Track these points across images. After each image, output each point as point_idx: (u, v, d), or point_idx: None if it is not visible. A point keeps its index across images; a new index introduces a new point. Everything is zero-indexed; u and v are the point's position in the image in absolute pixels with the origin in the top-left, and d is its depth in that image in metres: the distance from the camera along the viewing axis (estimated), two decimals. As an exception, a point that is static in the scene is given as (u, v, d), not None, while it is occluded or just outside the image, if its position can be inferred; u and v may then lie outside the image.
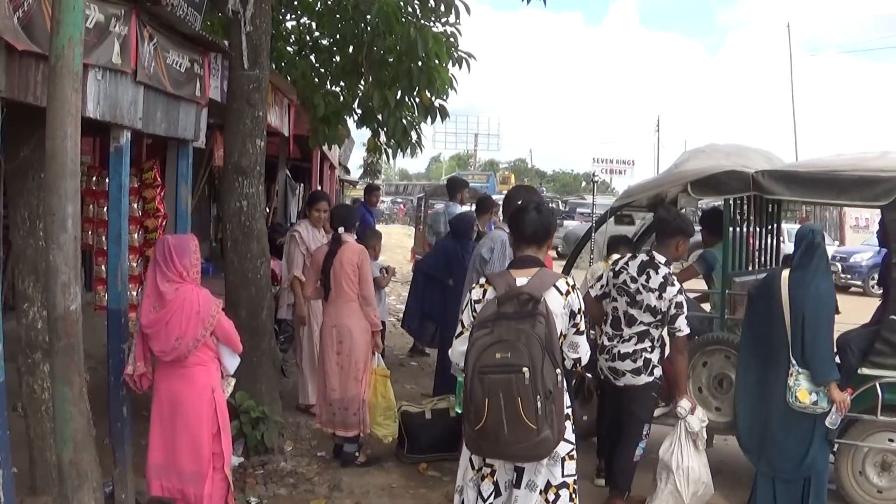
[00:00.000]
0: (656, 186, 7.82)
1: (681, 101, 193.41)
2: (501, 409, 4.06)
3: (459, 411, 4.66)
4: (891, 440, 6.45)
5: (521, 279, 4.36)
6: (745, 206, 8.12)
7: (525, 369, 4.03)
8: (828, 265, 5.98)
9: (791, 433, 5.95)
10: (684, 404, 6.12)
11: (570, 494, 4.37)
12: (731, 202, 7.34)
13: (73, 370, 4.16)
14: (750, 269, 8.01)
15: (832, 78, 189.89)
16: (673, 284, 6.00)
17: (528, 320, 4.17)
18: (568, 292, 4.39)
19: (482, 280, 4.54)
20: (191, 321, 5.19)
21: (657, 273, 6.02)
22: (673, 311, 5.99)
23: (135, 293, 6.49)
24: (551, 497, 4.31)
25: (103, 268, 6.39)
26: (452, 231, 9.66)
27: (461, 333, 4.49)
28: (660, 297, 5.97)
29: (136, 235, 6.59)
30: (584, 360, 4.58)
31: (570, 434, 4.40)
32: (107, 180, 6.15)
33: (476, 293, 4.49)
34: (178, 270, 5.22)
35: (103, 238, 6.33)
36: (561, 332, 4.35)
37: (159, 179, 6.80)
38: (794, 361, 5.83)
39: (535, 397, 4.04)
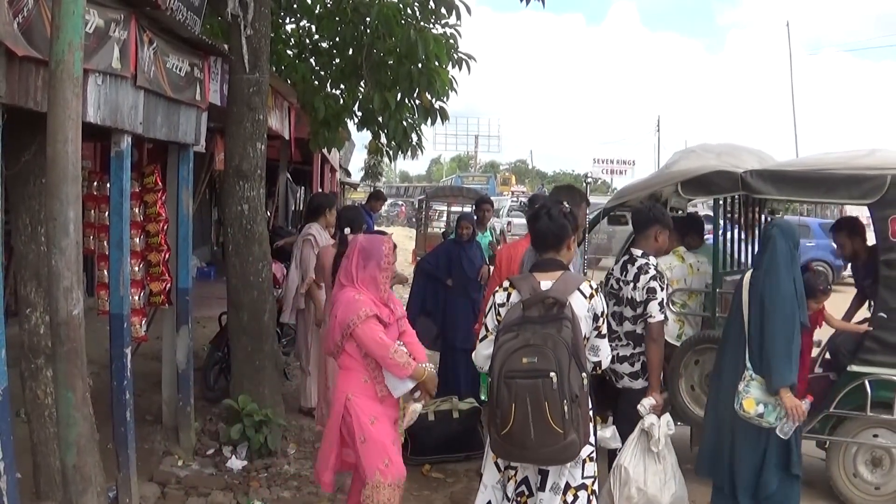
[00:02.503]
0: (648, 187, 7.85)
1: (681, 100, 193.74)
2: (528, 414, 4.08)
3: (485, 398, 4.68)
4: (875, 436, 6.49)
5: (546, 282, 4.36)
6: (739, 206, 8.19)
7: (552, 374, 4.05)
8: (790, 263, 5.39)
9: (741, 448, 5.44)
10: (646, 402, 5.78)
11: (588, 496, 4.38)
12: (720, 202, 7.41)
13: (76, 375, 4.16)
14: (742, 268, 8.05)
15: (833, 77, 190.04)
16: (646, 272, 5.93)
17: (555, 324, 4.18)
18: (592, 295, 4.40)
19: (506, 283, 4.53)
20: (333, 324, 5.16)
21: (633, 265, 6.01)
22: (645, 296, 5.90)
23: (136, 297, 6.48)
24: (570, 498, 4.32)
25: (105, 273, 6.39)
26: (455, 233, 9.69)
27: (485, 337, 4.49)
28: (634, 288, 5.93)
29: (137, 240, 6.58)
30: (605, 364, 4.60)
31: (592, 437, 4.42)
32: (108, 185, 6.15)
33: (500, 297, 4.48)
34: (351, 274, 5.19)
35: (105, 243, 6.33)
36: (584, 336, 4.35)
37: (160, 184, 6.80)
38: (748, 365, 5.32)
39: (562, 402, 4.05)
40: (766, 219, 8.57)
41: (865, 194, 6.42)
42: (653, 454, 5.64)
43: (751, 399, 5.24)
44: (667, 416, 5.81)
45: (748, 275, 5.55)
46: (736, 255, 8.29)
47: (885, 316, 6.40)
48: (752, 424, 5.31)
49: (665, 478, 5.64)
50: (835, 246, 6.38)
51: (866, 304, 7.57)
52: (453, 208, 24.03)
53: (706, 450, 5.71)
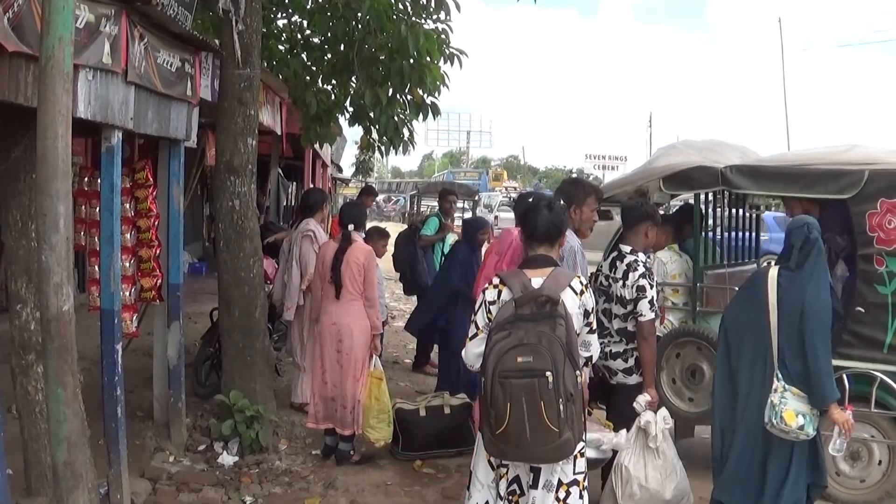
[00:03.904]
0: (631, 182, 7.96)
1: (674, 96, 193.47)
2: (524, 414, 4.05)
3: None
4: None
5: (537, 279, 4.34)
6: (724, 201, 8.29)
7: (548, 373, 4.03)
8: (825, 264, 5.23)
9: (768, 463, 5.15)
10: (641, 399, 5.81)
11: (580, 492, 4.37)
12: (700, 197, 7.51)
13: (66, 371, 4.16)
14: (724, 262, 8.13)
15: (826, 72, 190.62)
16: (636, 269, 5.93)
17: (548, 322, 4.15)
18: (582, 291, 4.39)
19: (496, 280, 4.48)
20: None
21: (622, 262, 6.02)
22: (634, 294, 5.90)
23: (127, 293, 6.48)
24: (562, 495, 4.31)
25: (96, 269, 6.37)
26: (466, 237, 9.66)
27: (476, 335, 4.44)
28: (624, 285, 5.94)
29: (128, 236, 6.57)
30: (595, 358, 4.61)
31: (583, 433, 4.43)
32: (99, 181, 6.14)
33: (490, 294, 4.43)
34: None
35: (96, 239, 6.32)
36: (575, 332, 4.34)
37: (151, 179, 6.78)
38: (779, 375, 5.04)
39: (557, 401, 4.03)
40: (748, 214, 8.70)
41: (843, 189, 6.51)
42: (651, 450, 5.67)
43: (791, 411, 4.94)
44: (663, 411, 5.86)
45: (773, 273, 5.24)
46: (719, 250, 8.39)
47: (863, 310, 6.47)
48: (780, 439, 5.04)
49: (666, 472, 5.68)
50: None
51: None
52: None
53: (736, 473, 5.31)
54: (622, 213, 6.40)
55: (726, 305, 6.15)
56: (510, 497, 4.38)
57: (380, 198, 53.77)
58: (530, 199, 4.78)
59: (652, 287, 5.95)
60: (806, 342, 5.00)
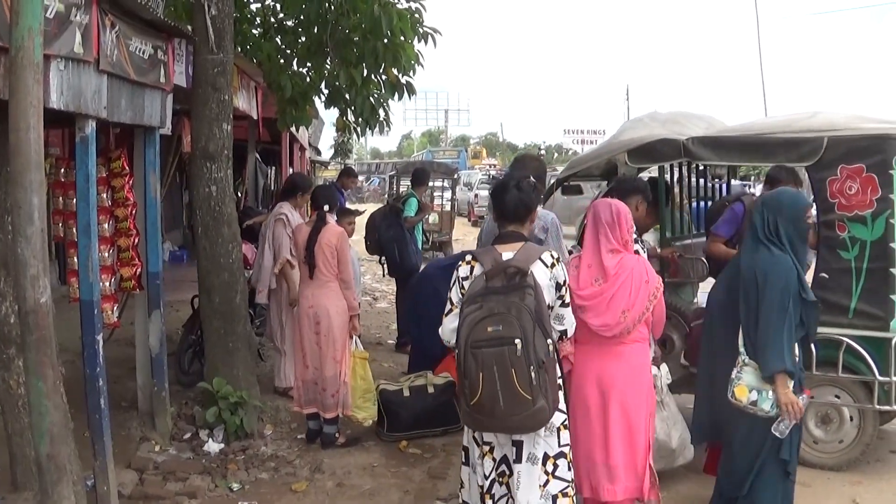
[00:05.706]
0: (597, 156, 8.00)
1: (652, 68, 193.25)
2: (496, 382, 4.12)
3: None
4: (812, 397, 6.57)
5: (507, 254, 4.42)
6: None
7: (517, 341, 4.09)
8: (774, 235, 4.94)
9: (736, 440, 5.07)
10: None
11: (568, 464, 4.44)
12: (665, 169, 7.61)
13: (46, 364, 4.14)
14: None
15: (806, 40, 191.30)
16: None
17: (517, 293, 4.23)
18: (553, 265, 4.44)
19: (468, 257, 4.57)
20: (639, 292, 4.82)
21: None
22: None
23: (107, 283, 6.45)
24: (550, 468, 4.38)
25: (76, 260, 6.34)
26: None
27: (451, 311, 4.51)
28: None
29: (106, 225, 6.55)
30: (570, 332, 4.63)
31: (563, 404, 4.47)
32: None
33: (463, 270, 4.52)
34: (623, 239, 4.92)
35: (74, 230, 6.28)
36: (549, 305, 4.41)
37: (127, 168, 6.75)
38: (741, 350, 4.91)
39: (528, 368, 4.10)
40: (713, 185, 8.81)
41: (803, 157, 6.54)
42: (657, 402, 5.73)
43: (742, 386, 4.82)
44: (664, 367, 5.93)
45: (744, 247, 5.21)
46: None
47: (827, 276, 6.52)
48: (748, 418, 4.89)
49: (671, 422, 5.85)
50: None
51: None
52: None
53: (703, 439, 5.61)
54: (616, 186, 6.47)
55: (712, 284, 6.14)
56: (500, 478, 4.44)
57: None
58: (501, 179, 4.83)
59: (643, 252, 6.04)
60: (760, 311, 4.81)
